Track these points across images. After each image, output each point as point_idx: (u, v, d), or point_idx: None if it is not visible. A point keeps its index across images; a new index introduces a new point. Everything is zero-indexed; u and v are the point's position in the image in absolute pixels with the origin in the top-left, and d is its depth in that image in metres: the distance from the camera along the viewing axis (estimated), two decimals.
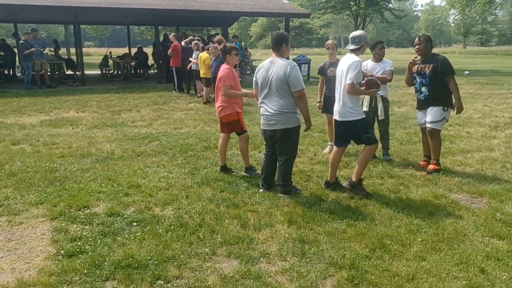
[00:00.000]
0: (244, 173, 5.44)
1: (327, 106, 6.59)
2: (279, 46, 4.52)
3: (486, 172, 5.50)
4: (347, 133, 4.76)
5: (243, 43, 18.23)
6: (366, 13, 27.66)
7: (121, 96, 12.63)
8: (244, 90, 5.36)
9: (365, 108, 6.02)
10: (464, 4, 44.51)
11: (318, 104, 6.91)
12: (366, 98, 6.06)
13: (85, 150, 6.52)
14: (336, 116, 4.79)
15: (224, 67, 5.26)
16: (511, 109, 10.20)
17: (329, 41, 6.45)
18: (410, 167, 5.67)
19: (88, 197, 4.60)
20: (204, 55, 10.93)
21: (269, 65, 4.52)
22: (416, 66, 5.57)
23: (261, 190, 4.84)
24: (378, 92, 5.84)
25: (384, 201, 4.52)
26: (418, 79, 5.56)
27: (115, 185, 4.96)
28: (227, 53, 5.30)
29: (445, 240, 3.62)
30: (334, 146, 4.97)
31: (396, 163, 5.90)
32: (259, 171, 5.30)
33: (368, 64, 6.11)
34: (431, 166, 5.53)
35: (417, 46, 5.49)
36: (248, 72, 20.15)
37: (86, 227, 3.91)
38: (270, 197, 4.63)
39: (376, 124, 6.19)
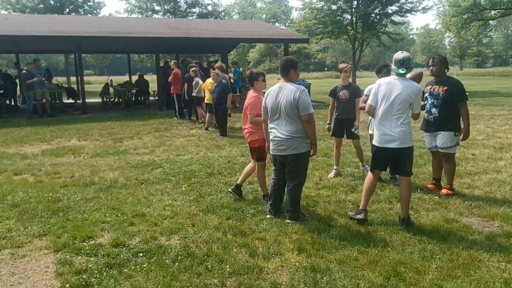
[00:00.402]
0: (263, 200, 5.33)
1: (337, 129, 6.55)
2: (287, 71, 4.54)
3: (496, 195, 5.42)
4: (393, 159, 4.56)
5: (241, 69, 18.40)
6: (364, 37, 28.04)
7: (122, 123, 12.64)
8: None
9: (371, 131, 5.96)
10: (460, 27, 45.02)
11: (327, 126, 6.84)
12: (373, 121, 6.01)
13: (88, 179, 6.45)
14: (393, 144, 4.41)
15: (252, 94, 5.21)
16: None
17: (344, 65, 6.41)
18: (418, 190, 5.59)
19: (92, 227, 4.50)
20: (208, 81, 11.02)
21: (278, 90, 4.52)
22: (429, 86, 5.50)
23: (268, 216, 4.76)
24: None
25: (394, 226, 4.42)
26: (429, 100, 5.44)
27: (119, 215, 4.88)
28: (254, 80, 5.25)
29: (461, 267, 3.52)
30: (370, 172, 4.67)
31: None
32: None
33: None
34: (444, 191, 5.45)
35: (431, 68, 5.40)
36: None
37: (91, 258, 3.81)
38: (277, 224, 4.53)
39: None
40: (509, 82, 31.96)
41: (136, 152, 8.60)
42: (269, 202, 4.85)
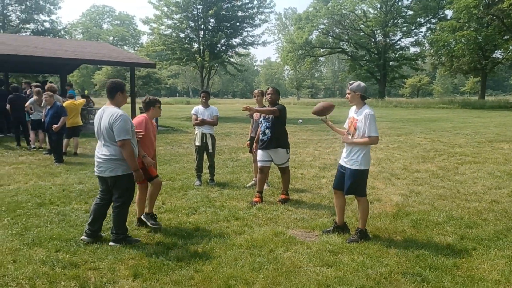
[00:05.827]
0: (143, 217, 5.12)
1: None
2: (113, 94, 4.53)
3: (317, 208, 6.15)
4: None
5: (76, 91, 17.48)
6: (210, 65, 29.23)
7: None
8: (147, 156, 4.95)
9: (197, 143, 7.45)
10: (295, 62, 50.78)
11: None
12: (198, 135, 7.39)
13: None
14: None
15: (140, 117, 5.12)
16: (335, 152, 11.71)
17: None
18: (250, 204, 6.22)
19: None
20: (79, 101, 11.12)
21: (102, 113, 4.53)
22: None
23: (83, 237, 4.59)
24: (207, 131, 7.50)
25: (230, 243, 4.67)
26: (264, 123, 6.40)
27: None
28: (151, 106, 5.18)
29: (284, 274, 3.90)
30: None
31: (241, 206, 6.19)
32: (160, 223, 5.18)
33: (199, 108, 7.49)
34: (283, 196, 6.43)
35: (269, 95, 6.38)
36: (91, 121, 19.13)
37: None
38: (114, 251, 4.37)
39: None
40: (335, 111, 36.78)
41: None
42: (87, 222, 4.67)
